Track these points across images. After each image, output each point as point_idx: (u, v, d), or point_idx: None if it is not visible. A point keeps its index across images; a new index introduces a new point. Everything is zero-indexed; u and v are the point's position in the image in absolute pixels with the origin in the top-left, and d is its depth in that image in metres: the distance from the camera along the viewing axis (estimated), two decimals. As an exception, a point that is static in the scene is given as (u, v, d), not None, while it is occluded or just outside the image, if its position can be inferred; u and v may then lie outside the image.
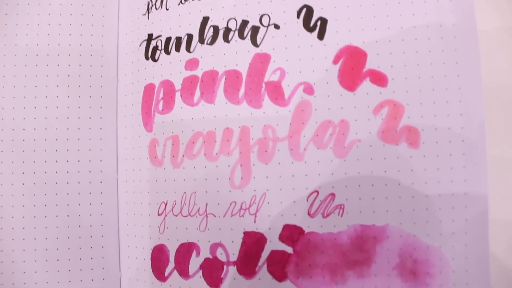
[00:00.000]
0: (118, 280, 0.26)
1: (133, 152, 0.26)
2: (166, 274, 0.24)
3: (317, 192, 0.23)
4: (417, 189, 0.22)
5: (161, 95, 0.25)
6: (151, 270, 0.25)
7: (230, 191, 0.23)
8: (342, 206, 0.23)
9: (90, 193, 0.26)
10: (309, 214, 0.23)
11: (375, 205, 0.22)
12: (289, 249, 0.23)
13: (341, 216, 0.23)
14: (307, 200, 0.23)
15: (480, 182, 0.22)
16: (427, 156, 0.22)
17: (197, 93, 0.24)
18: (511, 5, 0.23)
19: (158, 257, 0.25)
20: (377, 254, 0.23)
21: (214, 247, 0.24)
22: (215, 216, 0.24)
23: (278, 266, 0.23)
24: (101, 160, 0.26)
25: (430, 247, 0.22)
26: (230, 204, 0.23)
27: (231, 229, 0.23)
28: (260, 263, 0.23)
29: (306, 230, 0.23)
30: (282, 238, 0.23)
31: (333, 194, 0.23)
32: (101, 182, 0.26)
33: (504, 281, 0.23)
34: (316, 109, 0.23)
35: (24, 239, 0.25)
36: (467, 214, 0.22)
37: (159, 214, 0.25)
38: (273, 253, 0.23)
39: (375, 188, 0.22)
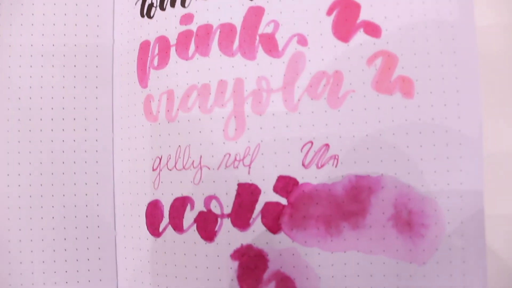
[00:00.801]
0: (113, 239, 0.26)
1: (128, 110, 0.26)
2: (160, 230, 0.24)
3: (311, 142, 0.23)
4: (411, 139, 0.22)
5: (156, 51, 0.25)
6: (145, 227, 0.25)
7: (224, 143, 0.23)
8: (337, 157, 0.23)
9: (85, 151, 0.26)
10: (303, 165, 0.23)
11: (370, 156, 0.22)
12: (283, 201, 0.23)
13: (336, 166, 0.23)
14: (301, 151, 0.23)
15: (474, 130, 0.22)
16: (421, 106, 0.22)
17: (192, 47, 0.24)
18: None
19: (153, 213, 0.25)
20: (372, 205, 0.22)
21: (208, 200, 0.23)
22: (209, 169, 0.23)
23: (272, 218, 0.23)
24: (96, 119, 0.26)
25: (425, 198, 0.22)
26: (224, 156, 0.23)
27: (225, 181, 0.23)
28: (254, 215, 0.23)
29: (301, 181, 0.23)
30: (276, 189, 0.23)
31: (327, 145, 0.23)
32: (96, 140, 0.26)
33: (500, 232, 0.23)
34: (310, 60, 0.23)
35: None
36: (462, 164, 0.22)
37: (153, 170, 0.25)
38: (267, 205, 0.23)
39: (369, 138, 0.22)
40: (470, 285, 0.22)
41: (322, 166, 0.23)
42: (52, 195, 0.25)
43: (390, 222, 0.22)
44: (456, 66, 0.22)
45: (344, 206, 0.22)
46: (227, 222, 0.23)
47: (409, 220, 0.22)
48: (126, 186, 0.25)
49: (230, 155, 0.23)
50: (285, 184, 0.23)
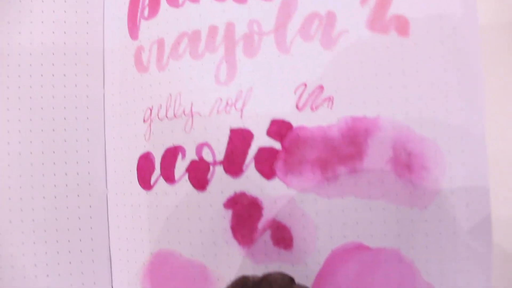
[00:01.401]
0: (105, 197, 0.25)
1: (119, 64, 0.25)
2: (152, 183, 0.24)
3: (305, 85, 0.22)
4: (408, 79, 0.21)
5: (147, 1, 0.25)
6: (137, 181, 0.24)
7: (215, 88, 0.23)
8: (331, 98, 0.22)
9: (76, 107, 0.25)
10: (297, 107, 0.22)
11: (366, 97, 0.22)
12: (277, 145, 0.22)
13: (331, 108, 0.22)
14: (294, 93, 0.22)
15: (475, 67, 0.21)
16: (417, 44, 0.21)
17: (182, -6, 0.24)
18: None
19: (144, 166, 0.24)
20: (369, 148, 0.22)
21: (199, 148, 0.23)
22: (200, 115, 0.23)
23: (266, 163, 0.22)
24: (87, 75, 0.26)
25: (424, 139, 0.21)
26: (216, 101, 0.23)
27: (217, 127, 0.23)
28: (247, 161, 0.22)
29: (295, 124, 0.22)
30: (270, 133, 0.22)
31: (321, 87, 0.22)
32: (87, 96, 0.25)
33: (502, 178, 0.22)
34: (301, 2, 0.23)
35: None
36: (461, 102, 0.21)
37: (144, 121, 0.24)
38: (261, 150, 0.22)
39: (365, 79, 0.22)
40: (475, 229, 0.21)
41: (316, 108, 0.22)
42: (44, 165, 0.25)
43: (388, 165, 0.21)
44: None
45: (340, 149, 0.22)
46: (219, 170, 0.22)
47: (408, 162, 0.21)
48: (118, 142, 0.25)
49: (221, 100, 0.23)
50: (278, 128, 0.22)
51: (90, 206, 0.25)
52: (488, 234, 0.21)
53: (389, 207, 0.22)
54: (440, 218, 0.21)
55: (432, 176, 0.21)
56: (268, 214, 0.22)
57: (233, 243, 0.22)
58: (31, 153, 0.25)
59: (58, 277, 0.25)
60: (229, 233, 0.22)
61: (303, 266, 0.22)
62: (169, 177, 0.23)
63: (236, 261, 0.22)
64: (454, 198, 0.21)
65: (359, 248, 0.22)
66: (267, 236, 0.22)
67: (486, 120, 0.21)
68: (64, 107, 0.25)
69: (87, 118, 0.25)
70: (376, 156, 0.21)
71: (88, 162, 0.25)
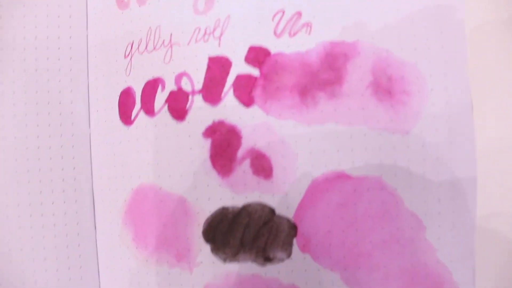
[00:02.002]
0: (88, 137, 0.25)
1: (101, 4, 0.25)
2: (132, 117, 0.24)
3: (283, 11, 0.22)
4: (387, 2, 0.21)
5: None
6: (118, 117, 0.24)
7: (194, 18, 0.23)
8: (310, 24, 0.22)
9: (58, 48, 0.25)
10: (275, 34, 0.22)
11: (344, 21, 0.21)
12: (255, 72, 0.22)
13: (309, 34, 0.21)
14: (272, 20, 0.22)
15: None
16: (397, -32, 0.21)
17: None
18: None
19: (125, 101, 0.24)
20: (349, 73, 0.21)
21: (178, 77, 0.23)
22: (179, 46, 0.23)
23: (245, 90, 0.22)
24: (70, 16, 0.26)
25: (405, 63, 0.21)
26: (194, 30, 0.22)
27: (196, 56, 0.22)
28: (225, 89, 0.22)
29: (273, 51, 0.22)
30: (248, 60, 0.22)
31: (299, 13, 0.22)
32: (70, 37, 0.25)
33: (485, 100, 0.21)
34: None
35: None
36: (442, 25, 0.21)
37: (125, 57, 0.24)
38: (239, 77, 0.22)
39: (343, 3, 0.21)
40: (458, 153, 0.21)
41: (294, 34, 0.22)
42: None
43: (369, 90, 0.21)
44: None
45: (319, 75, 0.21)
46: (198, 99, 0.22)
47: (389, 87, 0.21)
48: (100, 81, 0.25)
49: (200, 29, 0.22)
50: (256, 55, 0.22)
51: (73, 146, 0.25)
52: (472, 159, 0.21)
53: (370, 133, 0.21)
54: (422, 144, 0.21)
55: (413, 101, 0.21)
56: (247, 143, 0.22)
57: (212, 173, 0.22)
58: (13, 92, 0.25)
59: (40, 217, 0.25)
60: (208, 163, 0.22)
61: (283, 196, 0.22)
62: (149, 110, 0.23)
63: (215, 192, 0.22)
64: (436, 123, 0.21)
65: (341, 177, 0.21)
66: (246, 166, 0.22)
67: (468, 43, 0.21)
68: (47, 47, 0.25)
69: (70, 59, 0.25)
70: (356, 81, 0.21)
71: (71, 102, 0.25)
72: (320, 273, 0.22)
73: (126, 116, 0.24)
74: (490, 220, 0.21)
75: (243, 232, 0.22)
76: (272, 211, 0.22)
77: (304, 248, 0.22)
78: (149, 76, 0.23)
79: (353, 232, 0.21)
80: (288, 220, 0.22)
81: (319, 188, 0.21)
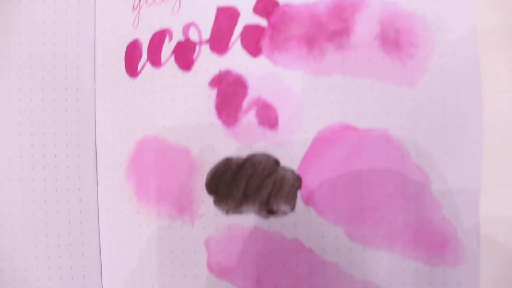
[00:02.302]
0: (93, 91, 0.25)
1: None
2: (138, 69, 0.23)
3: (292, -37, 0.22)
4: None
5: None
6: (124, 70, 0.24)
7: (203, -31, 0.23)
8: (319, -24, 0.22)
9: (66, 2, 0.25)
10: (284, -15, 0.22)
11: (353, -27, 0.21)
12: (263, 23, 0.22)
13: (318, -15, 0.22)
14: (281, -29, 0.22)
15: None
16: None
17: None
18: None
19: (131, 53, 0.24)
20: (357, 24, 0.21)
21: (186, 28, 0.23)
22: (188, -3, 0.23)
23: (252, 40, 0.22)
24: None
25: (413, 15, 0.21)
26: (203, -17, 0.23)
27: (204, 6, 0.22)
28: (233, 39, 0.22)
29: (281, 1, 0.22)
30: (256, 10, 0.22)
31: (309, -36, 0.22)
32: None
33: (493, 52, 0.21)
34: None
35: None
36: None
37: (133, 9, 0.24)
38: (247, 27, 0.22)
39: (352, -44, 0.21)
40: (464, 106, 0.20)
41: (303, -15, 0.22)
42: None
43: (376, 41, 0.21)
44: None
45: (327, 26, 0.21)
46: (205, 48, 0.22)
47: (396, 39, 0.21)
48: (107, 35, 0.25)
49: (209, -21, 0.23)
50: (265, 5, 0.22)
51: (78, 100, 0.25)
52: (479, 112, 0.20)
53: (377, 85, 0.21)
54: (429, 97, 0.21)
55: (420, 54, 0.21)
56: (253, 92, 0.22)
57: (217, 123, 0.22)
58: (19, 45, 0.25)
59: (43, 170, 0.24)
60: (213, 114, 0.22)
61: (288, 147, 0.21)
62: (155, 61, 0.23)
63: (220, 143, 0.22)
64: (443, 76, 0.21)
65: (347, 128, 0.21)
66: (251, 116, 0.22)
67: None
68: (55, 1, 0.25)
69: (77, 14, 0.25)
70: (364, 33, 0.21)
71: (77, 56, 0.25)
72: (323, 227, 0.21)
73: (132, 68, 0.24)
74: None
75: (246, 184, 0.22)
76: (276, 162, 0.21)
77: (308, 201, 0.21)
78: (156, 28, 0.23)
79: (358, 186, 0.21)
80: (292, 172, 0.21)
81: (324, 140, 0.21)
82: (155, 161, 0.23)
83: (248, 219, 0.22)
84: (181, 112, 0.22)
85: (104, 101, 0.25)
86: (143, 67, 0.23)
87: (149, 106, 0.23)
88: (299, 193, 0.21)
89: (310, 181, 0.21)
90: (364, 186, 0.21)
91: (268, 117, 0.22)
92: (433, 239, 0.21)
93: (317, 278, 0.22)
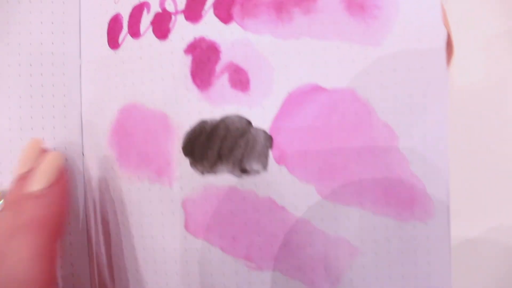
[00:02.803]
0: (78, 66, 0.26)
1: None
2: (120, 41, 0.25)
3: None
4: None
5: None
6: (107, 44, 0.25)
7: None
8: None
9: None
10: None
11: None
12: (234, -9, 0.23)
13: (285, -45, 0.23)
14: None
15: None
16: None
17: None
18: None
19: (113, 27, 0.25)
20: (323, -11, 0.22)
21: (163, 0, 0.24)
22: (164, -30, 0.24)
23: (224, 8, 0.23)
24: None
25: (376, -21, 0.22)
26: (177, -45, 0.24)
27: (178, -22, 0.24)
28: (206, 7, 0.23)
29: (251, -30, 0.23)
30: (227, -21, 0.23)
31: None
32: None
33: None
34: None
35: None
36: None
37: (115, -14, 0.25)
38: (219, -4, 0.23)
39: None
40: (428, 62, 0.21)
41: (272, -45, 0.23)
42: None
43: (342, 4, 0.22)
44: None
45: (294, -8, 0.22)
46: (180, 18, 0.23)
47: (361, 1, 0.22)
48: (91, 12, 0.26)
49: (182, -47, 0.24)
50: (236, -25, 0.23)
51: (64, 74, 0.26)
52: (443, 68, 0.21)
53: (343, 46, 0.22)
54: (394, 55, 0.22)
55: (384, 14, 0.22)
56: (225, 57, 0.23)
57: (193, 88, 0.23)
58: (7, 23, 0.26)
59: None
60: (189, 79, 0.23)
61: (260, 109, 0.22)
62: (135, 32, 0.24)
63: (195, 106, 0.23)
64: (407, 35, 0.21)
65: (315, 89, 0.22)
66: (224, 79, 0.23)
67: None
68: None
69: (64, -5, 0.27)
70: (330, -3, 0.22)
71: (63, 32, 0.26)
72: (295, 185, 0.22)
73: (114, 41, 0.25)
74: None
75: (220, 145, 0.23)
76: (249, 123, 0.22)
77: (279, 160, 0.22)
78: (136, 2, 0.24)
79: (328, 144, 0.22)
80: (264, 132, 0.22)
81: (294, 101, 0.22)
82: (135, 127, 0.24)
83: (222, 179, 0.23)
84: (158, 80, 0.23)
85: (89, 75, 0.26)
86: (123, 39, 0.25)
87: (129, 76, 0.24)
88: (271, 153, 0.22)
89: (281, 141, 0.22)
90: (334, 144, 0.22)
91: (240, 80, 0.23)
92: (402, 195, 0.22)
93: (290, 235, 0.22)
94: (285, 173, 0.22)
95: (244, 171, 0.22)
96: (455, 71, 0.24)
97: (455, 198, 0.22)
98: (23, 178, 0.22)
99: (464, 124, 0.23)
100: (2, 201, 0.23)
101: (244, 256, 0.23)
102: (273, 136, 0.22)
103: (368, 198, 0.22)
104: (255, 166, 0.22)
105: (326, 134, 0.22)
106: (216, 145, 0.23)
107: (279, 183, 0.22)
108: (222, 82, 0.23)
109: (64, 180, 0.23)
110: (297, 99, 0.22)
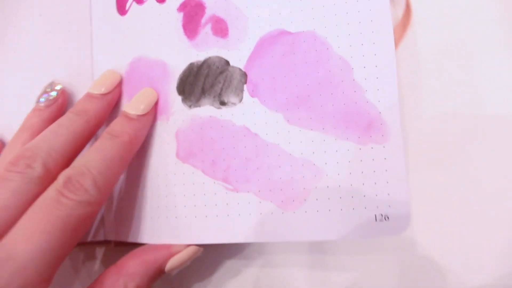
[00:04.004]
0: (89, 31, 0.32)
1: None
2: (126, 8, 0.30)
3: None
4: None
5: None
6: (116, 10, 0.31)
7: None
8: None
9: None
10: None
11: None
12: (218, -40, 0.28)
13: None
14: None
15: None
16: None
17: None
18: None
19: (121, -1, 0.31)
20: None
21: (162, -29, 0.29)
22: None
23: (209, -27, 0.28)
24: None
25: None
26: None
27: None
28: (195, -26, 0.28)
29: None
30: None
31: None
32: None
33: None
34: None
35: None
36: None
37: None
38: (206, -35, 0.28)
39: None
40: (374, 3, 0.24)
41: None
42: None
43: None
44: None
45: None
46: (175, -16, 0.29)
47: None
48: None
49: None
50: None
51: (78, 39, 0.32)
52: (385, 5, 0.24)
53: (305, -4, 0.26)
54: (346, 1, 0.25)
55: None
56: (209, 12, 0.27)
57: (184, 38, 0.28)
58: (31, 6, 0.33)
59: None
60: (181, 31, 0.28)
61: (236, 51, 0.27)
62: (139, 0, 0.30)
63: (185, 53, 0.28)
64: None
65: (282, 33, 0.26)
66: (208, 29, 0.27)
67: None
68: None
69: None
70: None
71: (75, 2, 0.32)
72: (266, 114, 0.26)
73: (122, 8, 0.31)
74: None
75: (204, 81, 0.27)
76: (227, 62, 0.27)
77: (253, 93, 0.26)
78: (140, -25, 0.31)
79: (294, 77, 0.25)
80: (239, 69, 0.26)
81: (265, 43, 0.26)
82: (141, 77, 0.29)
83: (205, 110, 0.27)
84: (158, 35, 0.29)
85: (100, 38, 0.32)
86: (130, 5, 0.30)
87: (135, 36, 0.30)
88: (245, 87, 0.26)
89: (254, 76, 0.26)
90: (298, 77, 0.25)
91: (221, 29, 0.27)
92: (360, 120, 0.24)
93: (262, 158, 0.26)
94: (258, 104, 0.26)
95: (223, 103, 0.26)
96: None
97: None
98: (91, 96, 0.28)
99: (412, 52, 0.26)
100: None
101: (222, 179, 0.26)
102: (248, 73, 0.26)
103: (329, 124, 0.25)
104: (232, 99, 0.26)
105: (291, 70, 0.26)
106: (200, 82, 0.27)
107: (252, 113, 0.26)
108: (206, 31, 0.27)
109: (152, 115, 0.28)
110: (267, 42, 0.26)
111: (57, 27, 0.32)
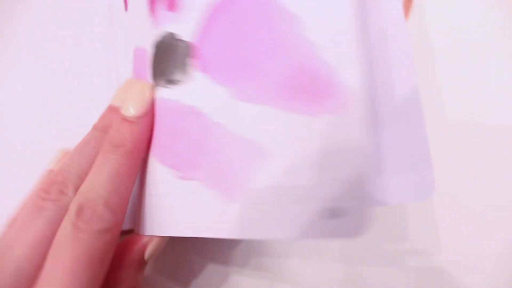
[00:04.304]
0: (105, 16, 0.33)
1: None
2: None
3: None
4: None
5: None
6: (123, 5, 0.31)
7: None
8: None
9: None
10: None
11: None
12: None
13: None
14: None
15: None
16: None
17: None
18: None
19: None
20: None
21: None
22: None
23: None
24: None
25: None
26: None
27: None
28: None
29: None
30: None
31: None
32: None
33: None
34: None
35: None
36: None
37: None
38: None
39: None
40: None
41: None
42: None
43: None
44: None
45: None
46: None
47: None
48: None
49: None
50: None
51: (96, 23, 0.33)
52: None
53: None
54: None
55: None
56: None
57: (150, 19, 0.26)
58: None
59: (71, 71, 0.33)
60: (148, 14, 0.26)
61: (186, 24, 0.24)
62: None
63: (151, 34, 0.26)
64: None
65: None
66: (165, 5, 0.25)
67: None
68: None
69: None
70: None
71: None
72: (216, 91, 0.22)
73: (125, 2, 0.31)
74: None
75: (153, 61, 0.25)
76: (172, 37, 0.24)
77: (203, 69, 0.23)
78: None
79: (241, 43, 0.21)
80: (185, 43, 0.23)
81: (213, 18, 0.23)
82: (137, 66, 0.28)
83: (158, 92, 0.24)
84: (141, 24, 0.28)
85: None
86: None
87: (134, 28, 0.30)
88: (194, 63, 0.23)
89: (204, 51, 0.23)
90: (246, 42, 0.21)
91: (174, 4, 0.24)
92: (311, 86, 0.19)
93: (211, 141, 0.22)
94: (208, 80, 0.22)
95: (170, 81, 0.24)
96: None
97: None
98: (114, 109, 0.26)
99: None
100: None
101: (173, 165, 0.23)
102: (198, 47, 0.23)
103: (276, 94, 0.20)
104: (178, 76, 0.23)
105: (239, 35, 0.21)
106: (156, 63, 0.25)
107: (202, 91, 0.23)
108: (162, 7, 0.25)
109: (152, 113, 0.25)
110: (214, 14, 0.23)
111: (77, 14, 0.34)
